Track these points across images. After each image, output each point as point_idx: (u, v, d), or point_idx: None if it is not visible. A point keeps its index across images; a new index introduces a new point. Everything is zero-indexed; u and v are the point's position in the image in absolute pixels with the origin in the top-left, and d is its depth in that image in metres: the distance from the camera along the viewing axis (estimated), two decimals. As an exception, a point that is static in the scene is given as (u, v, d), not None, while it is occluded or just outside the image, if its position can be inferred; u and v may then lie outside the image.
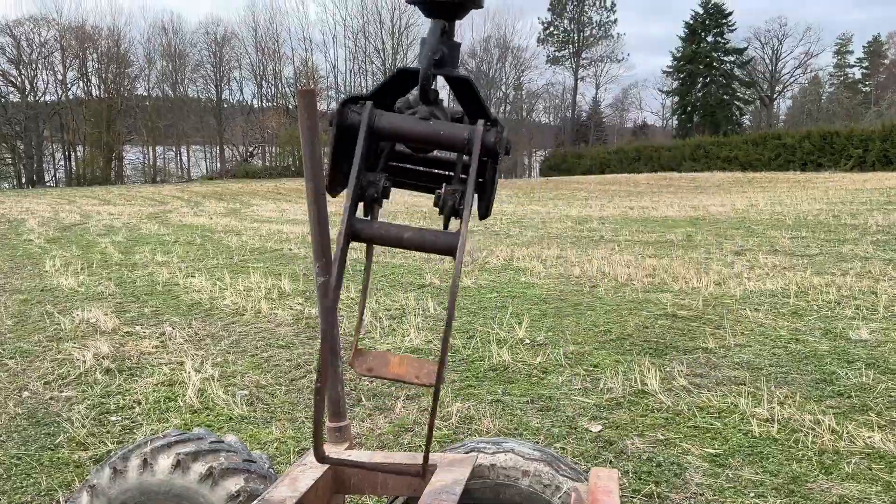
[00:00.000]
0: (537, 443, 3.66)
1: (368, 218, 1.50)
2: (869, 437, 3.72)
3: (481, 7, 1.44)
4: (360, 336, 1.93)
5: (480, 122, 1.39)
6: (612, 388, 4.60)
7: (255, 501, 1.78)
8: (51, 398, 4.76)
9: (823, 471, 3.41)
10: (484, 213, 1.52)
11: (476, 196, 1.46)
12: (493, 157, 1.43)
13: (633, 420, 4.10)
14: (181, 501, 2.13)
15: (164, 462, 2.15)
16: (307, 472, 1.90)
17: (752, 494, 3.21)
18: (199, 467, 2.14)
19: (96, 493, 2.19)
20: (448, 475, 1.85)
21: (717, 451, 3.65)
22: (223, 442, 2.26)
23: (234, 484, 2.12)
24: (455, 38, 1.45)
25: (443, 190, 1.44)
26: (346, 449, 2.11)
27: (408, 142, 1.47)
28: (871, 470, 3.40)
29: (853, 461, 3.49)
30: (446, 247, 1.41)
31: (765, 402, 4.23)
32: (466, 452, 2.10)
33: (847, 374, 4.76)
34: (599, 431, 3.96)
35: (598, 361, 5.18)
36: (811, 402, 4.26)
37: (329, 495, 1.94)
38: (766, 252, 10.08)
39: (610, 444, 3.79)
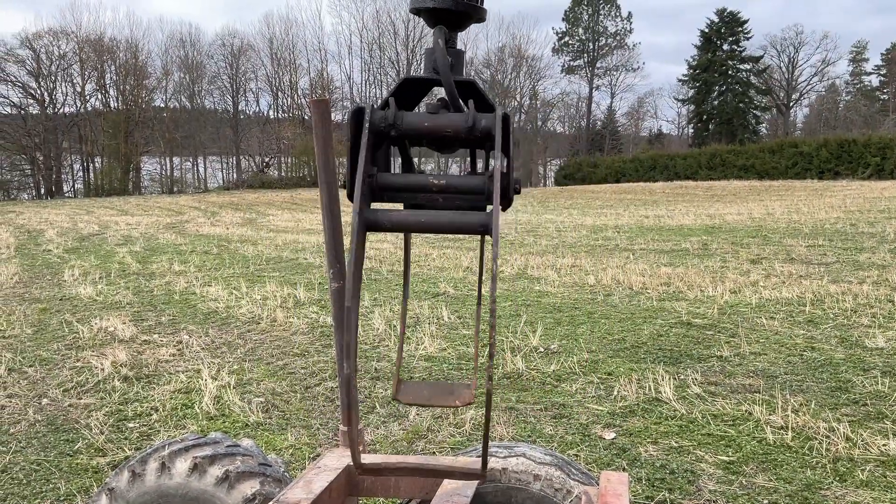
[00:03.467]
0: (551, 449, 3.67)
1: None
2: (884, 445, 3.71)
3: (483, 21, 1.47)
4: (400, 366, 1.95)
5: (500, 109, 1.41)
6: (625, 396, 4.60)
7: (271, 502, 1.82)
8: (70, 405, 4.82)
9: (838, 478, 3.40)
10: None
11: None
12: (492, 141, 1.42)
13: (647, 427, 4.10)
14: (198, 504, 2.17)
15: (182, 465, 2.19)
16: (322, 475, 1.93)
17: (765, 501, 3.21)
18: (215, 470, 2.17)
19: (115, 496, 2.23)
20: (460, 478, 1.88)
21: (731, 459, 3.65)
22: (239, 446, 2.30)
23: (249, 487, 2.16)
24: (460, 48, 1.48)
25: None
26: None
27: (419, 136, 1.47)
28: (885, 477, 3.39)
29: (868, 468, 3.48)
30: (471, 225, 1.41)
31: (779, 410, 4.23)
32: (479, 456, 2.13)
33: (863, 382, 4.74)
34: (613, 439, 3.97)
35: (613, 369, 5.19)
36: (826, 410, 4.25)
37: (343, 498, 1.97)
38: (783, 260, 10.04)
39: (623, 452, 3.79)
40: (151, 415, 4.58)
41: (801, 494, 3.26)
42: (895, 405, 4.31)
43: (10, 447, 4.10)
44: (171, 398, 4.87)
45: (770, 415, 4.18)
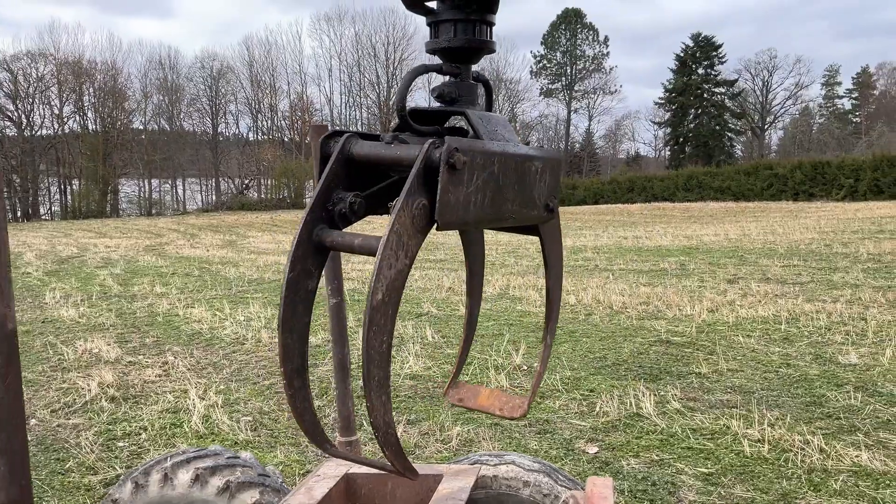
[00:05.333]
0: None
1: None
2: (857, 456, 3.84)
3: (493, 52, 1.59)
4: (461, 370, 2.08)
5: (428, 141, 1.42)
6: (607, 412, 4.71)
7: (275, 508, 1.90)
8: (58, 425, 4.85)
9: (812, 488, 3.52)
10: (439, 224, 1.44)
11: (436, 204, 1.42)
12: (436, 171, 1.41)
13: (629, 442, 4.21)
14: (200, 514, 2.25)
15: (184, 476, 2.26)
16: (322, 482, 2.02)
17: (743, 511, 3.33)
18: (216, 481, 2.25)
19: (118, 507, 2.30)
20: (454, 483, 1.98)
21: (710, 471, 3.77)
22: (239, 458, 2.38)
23: (249, 497, 2.24)
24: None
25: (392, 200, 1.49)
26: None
27: (375, 164, 1.54)
28: (858, 487, 3.52)
29: (841, 478, 3.61)
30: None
31: (756, 424, 4.35)
32: (470, 464, 2.22)
33: (836, 396, 4.88)
34: (596, 453, 4.07)
35: (594, 386, 5.30)
36: (801, 424, 4.38)
37: (342, 504, 2.06)
38: (759, 280, 10.24)
39: (606, 465, 3.90)
40: (140, 434, 4.63)
41: (778, 504, 3.38)
42: (867, 419, 4.45)
43: (1, 466, 4.13)
44: (160, 417, 4.92)
45: (747, 429, 4.30)
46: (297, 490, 1.99)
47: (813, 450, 3.93)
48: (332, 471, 2.11)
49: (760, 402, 4.83)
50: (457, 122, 1.70)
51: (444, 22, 1.54)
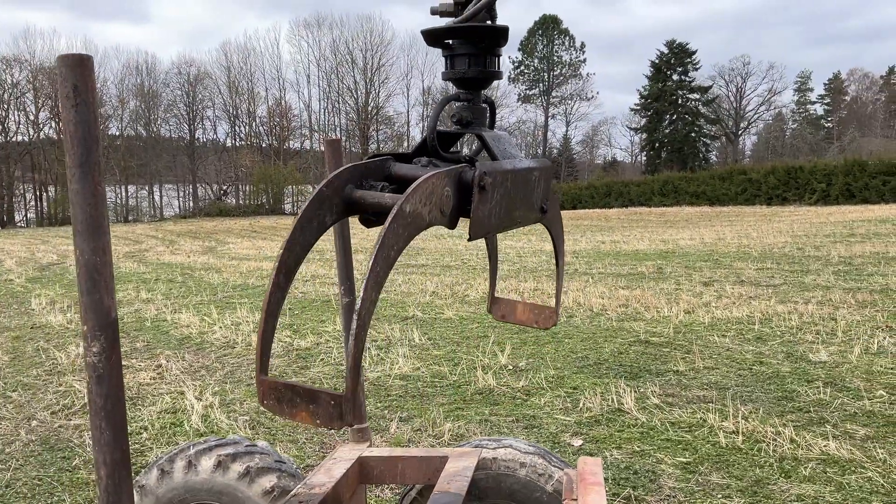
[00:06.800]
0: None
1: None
2: (825, 446, 4.10)
3: (500, 79, 1.81)
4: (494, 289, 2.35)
5: (463, 164, 1.63)
6: (591, 408, 4.94)
7: (298, 486, 2.10)
8: (59, 426, 4.99)
9: (783, 474, 3.77)
10: (471, 236, 1.67)
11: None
12: (470, 191, 1.62)
13: (611, 435, 4.44)
14: (222, 497, 2.44)
15: (207, 463, 2.45)
16: (339, 464, 2.22)
17: (719, 496, 3.56)
18: (237, 467, 2.45)
19: (145, 492, 2.48)
20: (459, 463, 2.18)
21: (688, 460, 4.00)
22: (256, 446, 2.57)
23: (268, 481, 2.43)
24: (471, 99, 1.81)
25: None
26: (367, 447, 2.42)
27: (411, 182, 1.75)
28: (826, 473, 3.77)
29: (810, 466, 3.85)
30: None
31: (731, 417, 4.60)
32: (472, 447, 2.43)
33: (807, 391, 5.15)
34: (581, 445, 4.30)
35: (577, 384, 5.53)
36: (773, 417, 4.64)
37: (356, 484, 2.26)
38: (733, 282, 10.54)
39: (591, 456, 4.11)
40: (142, 433, 4.79)
41: (751, 489, 3.62)
42: (836, 412, 4.71)
43: (10, 465, 4.29)
44: (159, 418, 5.08)
45: (723, 422, 4.55)
46: (318, 470, 2.19)
47: (784, 440, 4.18)
48: (347, 454, 2.32)
49: (735, 397, 5.09)
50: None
51: (459, 56, 1.75)
